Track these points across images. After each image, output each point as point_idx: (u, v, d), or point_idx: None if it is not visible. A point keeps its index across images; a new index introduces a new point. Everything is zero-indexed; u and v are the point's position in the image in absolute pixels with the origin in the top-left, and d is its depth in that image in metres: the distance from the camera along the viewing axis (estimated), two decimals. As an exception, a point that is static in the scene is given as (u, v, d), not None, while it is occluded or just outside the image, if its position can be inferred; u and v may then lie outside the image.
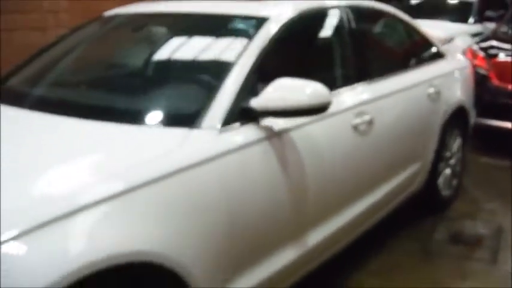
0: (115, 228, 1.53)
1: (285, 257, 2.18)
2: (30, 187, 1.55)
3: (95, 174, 1.63)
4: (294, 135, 2.19)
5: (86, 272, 1.40)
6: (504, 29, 5.78)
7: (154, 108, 2.11)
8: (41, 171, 1.64)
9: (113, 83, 2.52)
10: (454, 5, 7.76)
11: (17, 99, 2.33)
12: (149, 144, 1.83)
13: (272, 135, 2.09)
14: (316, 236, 2.36)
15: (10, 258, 1.33)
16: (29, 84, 2.58)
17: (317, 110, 2.06)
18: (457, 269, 2.96)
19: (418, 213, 3.56)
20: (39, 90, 2.49)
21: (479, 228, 3.48)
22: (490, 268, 2.97)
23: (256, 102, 2.03)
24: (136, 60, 2.62)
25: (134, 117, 1.99)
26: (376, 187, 2.81)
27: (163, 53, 2.53)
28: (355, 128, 2.55)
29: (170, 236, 1.66)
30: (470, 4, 7.36)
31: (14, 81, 2.60)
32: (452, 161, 3.77)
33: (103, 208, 1.52)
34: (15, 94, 2.46)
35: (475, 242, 3.29)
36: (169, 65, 2.35)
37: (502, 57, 4.94)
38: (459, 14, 7.24)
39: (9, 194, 1.47)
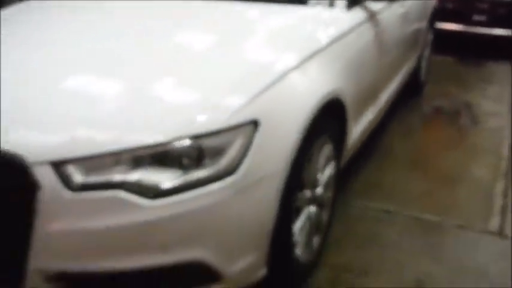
0: (325, 73, 2.10)
1: (371, 113, 2.88)
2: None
3: (299, 39, 2.17)
4: (379, 17, 2.83)
5: (323, 102, 1.98)
6: None
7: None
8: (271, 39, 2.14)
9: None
10: None
11: None
12: (313, 17, 2.39)
13: (372, 15, 2.71)
14: (384, 97, 3.09)
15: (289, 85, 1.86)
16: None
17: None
18: (453, 130, 3.89)
19: (405, 95, 4.41)
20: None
21: (453, 103, 4.44)
22: (475, 127, 3.94)
23: (363, -12, 2.62)
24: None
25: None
26: (407, 61, 3.65)
27: None
28: (401, 15, 3.25)
29: (343, 80, 2.26)
30: None
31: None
32: (426, 53, 4.65)
33: (309, 62, 2.07)
34: None
35: (454, 113, 4.24)
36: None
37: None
38: None
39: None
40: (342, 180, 2.82)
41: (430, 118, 4.13)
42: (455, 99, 4.53)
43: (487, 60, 5.63)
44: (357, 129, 2.63)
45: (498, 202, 2.84)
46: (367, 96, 2.75)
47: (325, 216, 2.29)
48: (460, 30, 5.70)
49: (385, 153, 3.43)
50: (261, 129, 1.68)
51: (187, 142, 1.56)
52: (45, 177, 1.50)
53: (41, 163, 1.50)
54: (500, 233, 2.57)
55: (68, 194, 1.51)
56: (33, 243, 1.53)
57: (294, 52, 2.00)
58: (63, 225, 1.52)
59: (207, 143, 1.58)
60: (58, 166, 1.51)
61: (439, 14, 5.33)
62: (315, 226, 2.17)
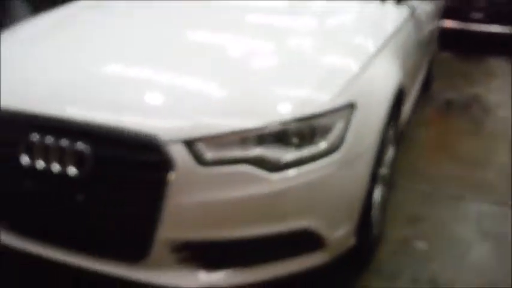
0: (394, 63, 2.32)
1: (409, 103, 3.12)
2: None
3: (371, 32, 2.38)
4: (416, 14, 3.06)
5: (397, 90, 2.21)
6: None
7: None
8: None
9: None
10: None
11: None
12: (372, 12, 2.59)
13: (413, 11, 2.95)
14: (416, 88, 3.35)
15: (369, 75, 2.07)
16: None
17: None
18: (467, 121, 4.16)
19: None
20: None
21: (462, 96, 4.72)
22: (488, 117, 4.22)
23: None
24: None
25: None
26: (429, 55, 3.95)
27: None
28: (428, 12, 3.51)
29: (402, 70, 2.47)
30: None
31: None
32: (435, 49, 4.92)
33: (382, 53, 2.28)
34: None
35: (466, 105, 4.52)
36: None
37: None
38: None
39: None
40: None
41: (444, 109, 4.40)
42: (463, 92, 4.81)
43: (485, 56, 5.95)
44: (403, 116, 2.86)
45: (525, 183, 3.11)
46: (410, 87, 2.98)
47: (385, 194, 2.51)
48: (459, 27, 6.01)
49: (409, 141, 3.66)
50: (357, 111, 1.88)
51: (302, 122, 1.75)
52: (178, 154, 1.66)
53: (175, 142, 1.66)
54: (533, 209, 2.84)
55: (199, 169, 1.67)
56: (164, 215, 1.69)
57: (371, 45, 2.20)
58: (194, 198, 1.68)
59: (318, 123, 1.77)
60: (190, 144, 1.67)
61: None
62: (383, 202, 2.38)
